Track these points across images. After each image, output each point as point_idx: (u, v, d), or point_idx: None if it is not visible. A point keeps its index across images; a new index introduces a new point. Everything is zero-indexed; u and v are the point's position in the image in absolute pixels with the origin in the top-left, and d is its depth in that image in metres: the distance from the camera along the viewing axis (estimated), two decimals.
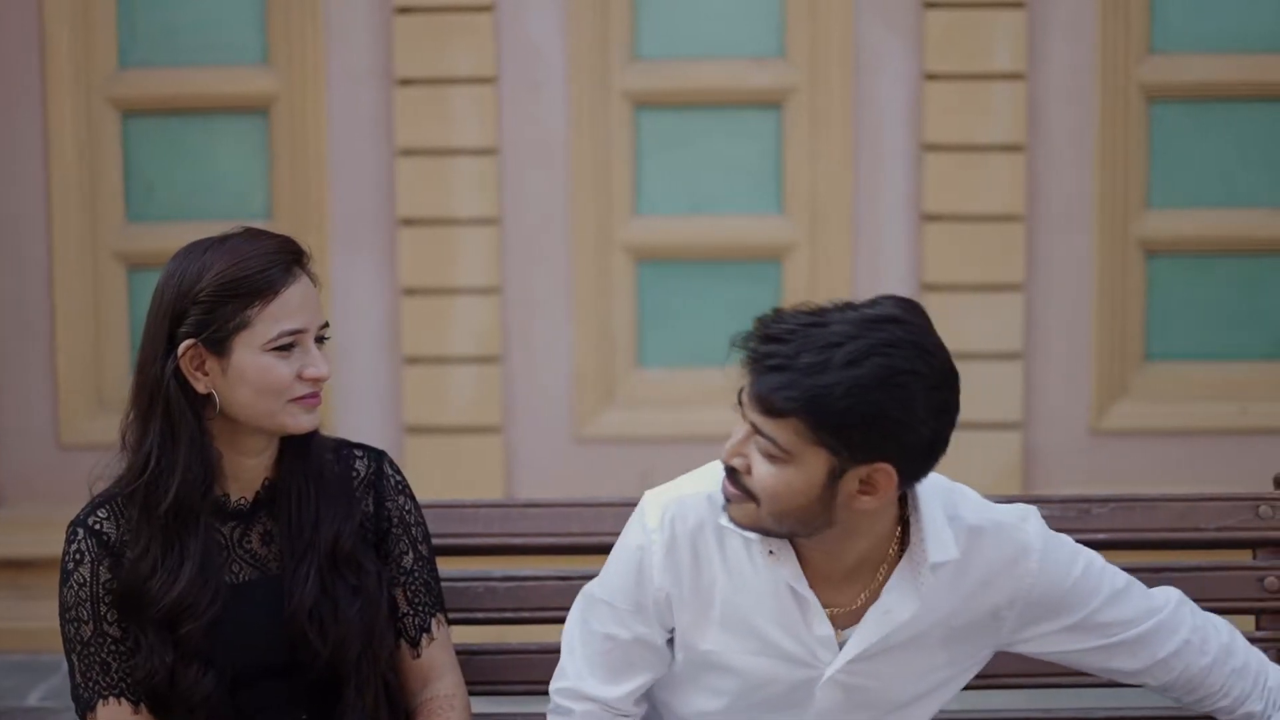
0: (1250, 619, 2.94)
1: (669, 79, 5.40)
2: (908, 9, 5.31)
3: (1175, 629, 2.52)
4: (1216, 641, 2.54)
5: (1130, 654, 2.52)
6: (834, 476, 2.27)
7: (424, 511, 2.73)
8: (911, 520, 2.39)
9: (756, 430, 2.28)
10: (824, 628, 2.41)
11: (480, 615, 2.87)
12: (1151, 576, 2.86)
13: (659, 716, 2.60)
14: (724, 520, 2.38)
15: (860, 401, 2.22)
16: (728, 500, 2.36)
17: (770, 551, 2.39)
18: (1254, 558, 2.94)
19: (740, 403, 2.30)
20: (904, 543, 2.41)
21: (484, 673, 2.82)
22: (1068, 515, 2.90)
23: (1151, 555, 2.93)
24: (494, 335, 5.42)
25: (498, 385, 5.43)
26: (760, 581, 2.41)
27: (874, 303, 2.31)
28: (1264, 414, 5.37)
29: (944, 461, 5.37)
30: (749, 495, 2.32)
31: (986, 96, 5.31)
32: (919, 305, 2.33)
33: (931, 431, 2.28)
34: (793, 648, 2.43)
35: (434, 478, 5.10)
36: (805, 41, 5.34)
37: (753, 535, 2.38)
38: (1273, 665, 2.59)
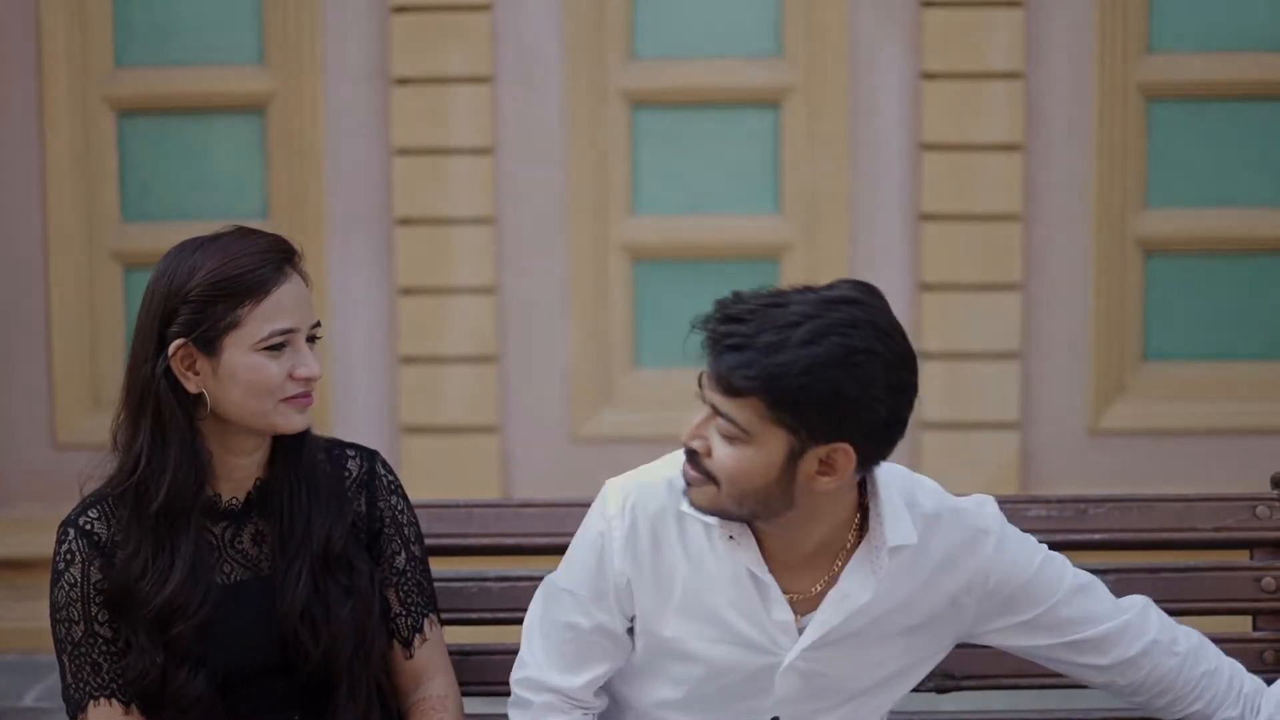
0: (1247, 619, 2.93)
1: (666, 78, 5.39)
2: (905, 8, 5.30)
3: (1143, 629, 2.52)
4: (1186, 643, 2.53)
5: (1098, 652, 2.51)
6: (793, 457, 2.29)
7: (417, 511, 2.72)
8: (871, 506, 2.41)
9: (716, 411, 2.30)
10: (784, 613, 2.42)
11: (474, 616, 2.87)
12: (1148, 577, 2.86)
13: (618, 711, 2.60)
14: (685, 506, 2.39)
15: (818, 380, 2.24)
16: (688, 484, 2.37)
17: (730, 536, 2.41)
18: (1251, 558, 2.93)
19: (700, 385, 2.32)
20: (863, 531, 2.43)
21: (478, 673, 2.81)
22: (1065, 515, 2.90)
23: (1148, 555, 2.93)
24: (490, 335, 5.41)
25: (494, 385, 5.42)
26: (720, 567, 2.43)
27: (832, 285, 2.33)
28: (1262, 414, 5.36)
29: (942, 460, 5.34)
30: (709, 478, 2.33)
31: (984, 96, 5.30)
32: (876, 289, 2.35)
33: (889, 411, 2.30)
34: (752, 634, 2.43)
35: (430, 477, 5.10)
36: (802, 40, 5.33)
37: (712, 520, 2.39)
38: (1249, 674, 2.57)
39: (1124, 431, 5.41)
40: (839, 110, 5.33)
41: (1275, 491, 2.92)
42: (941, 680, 2.86)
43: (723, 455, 2.30)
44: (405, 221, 5.39)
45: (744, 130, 5.41)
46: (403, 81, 5.35)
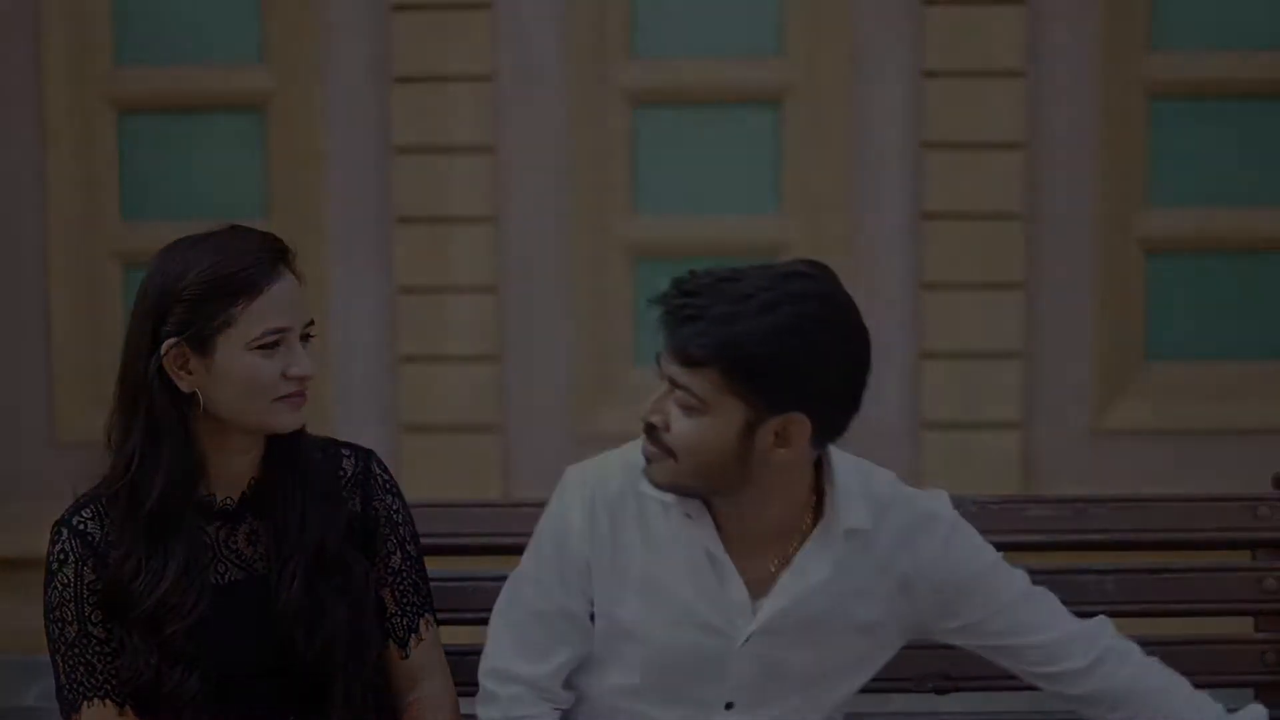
0: (1249, 620, 2.92)
1: (667, 76, 5.38)
2: (907, 6, 5.29)
3: (1095, 642, 2.53)
4: (1140, 660, 2.54)
5: (1047, 660, 2.53)
6: (749, 427, 2.33)
7: (414, 511, 2.72)
8: (827, 491, 2.46)
9: (674, 383, 2.35)
10: (739, 593, 2.45)
11: (471, 615, 2.86)
12: (1149, 577, 2.86)
13: (575, 702, 2.60)
14: (643, 486, 2.43)
15: (772, 348, 2.29)
16: (647, 460, 2.41)
17: (687, 515, 2.44)
18: (1253, 559, 2.93)
19: (658, 362, 2.37)
20: (818, 516, 2.47)
21: (474, 673, 2.80)
22: (1065, 515, 2.90)
23: (1150, 556, 2.92)
24: (491, 334, 5.40)
25: (494, 384, 5.41)
26: (677, 547, 2.46)
27: (786, 263, 2.40)
28: (1263, 414, 5.35)
29: (942, 460, 5.29)
30: (668, 452, 2.37)
31: (986, 94, 5.28)
32: (829, 267, 2.40)
33: (843, 383, 2.35)
34: (708, 614, 2.46)
35: (431, 477, 5.09)
36: (804, 39, 5.32)
37: (669, 498, 2.43)
38: (1211, 700, 2.54)
39: (1125, 431, 5.39)
40: (840, 109, 5.32)
41: (1276, 491, 2.92)
42: (941, 680, 2.86)
43: (681, 427, 2.35)
44: (405, 220, 5.38)
45: (745, 129, 5.40)
46: (403, 79, 5.34)
